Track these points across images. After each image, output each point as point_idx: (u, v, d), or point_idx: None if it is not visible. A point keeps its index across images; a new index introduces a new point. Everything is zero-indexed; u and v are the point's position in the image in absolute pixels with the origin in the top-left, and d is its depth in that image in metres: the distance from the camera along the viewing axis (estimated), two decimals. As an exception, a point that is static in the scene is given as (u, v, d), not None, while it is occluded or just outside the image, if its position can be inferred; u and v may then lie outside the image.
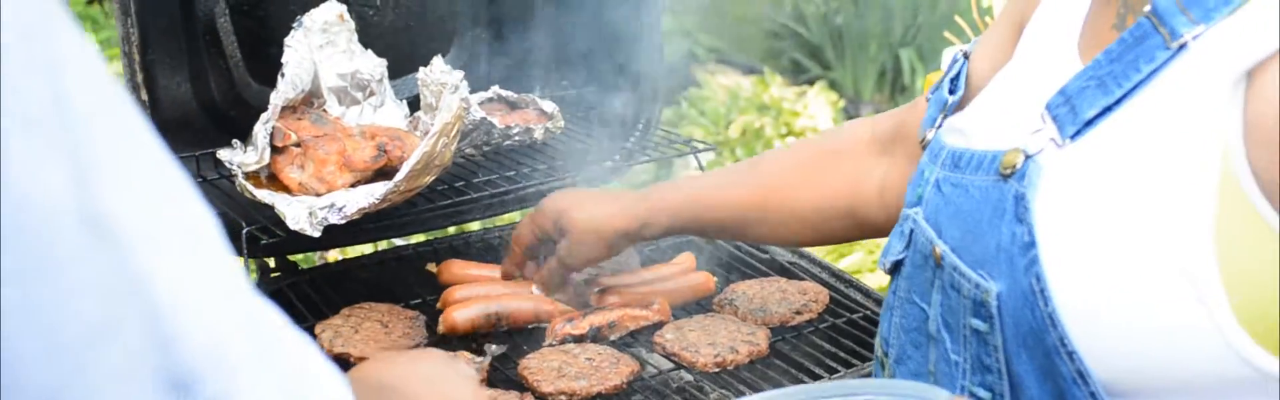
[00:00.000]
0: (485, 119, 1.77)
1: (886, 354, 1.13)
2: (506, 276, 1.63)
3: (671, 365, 1.52)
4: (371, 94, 1.69)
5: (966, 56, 1.18)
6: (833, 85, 5.37)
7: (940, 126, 1.12)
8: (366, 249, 2.18)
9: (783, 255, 1.83)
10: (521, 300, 1.60)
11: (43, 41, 0.44)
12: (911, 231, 1.06)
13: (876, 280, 3.05)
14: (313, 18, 1.59)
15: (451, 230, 2.51)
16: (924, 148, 1.12)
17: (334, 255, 2.61)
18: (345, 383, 0.58)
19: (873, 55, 5.48)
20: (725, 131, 4.56)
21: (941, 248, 0.99)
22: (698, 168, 1.95)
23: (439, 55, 1.59)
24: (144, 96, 1.57)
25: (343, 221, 1.45)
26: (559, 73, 2.02)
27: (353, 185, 1.54)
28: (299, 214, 1.44)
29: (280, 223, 1.46)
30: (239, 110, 1.69)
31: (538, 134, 1.85)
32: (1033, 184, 0.89)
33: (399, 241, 2.32)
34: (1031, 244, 0.88)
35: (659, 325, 1.59)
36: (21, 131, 0.42)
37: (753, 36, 6.08)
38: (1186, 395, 0.87)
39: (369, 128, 1.61)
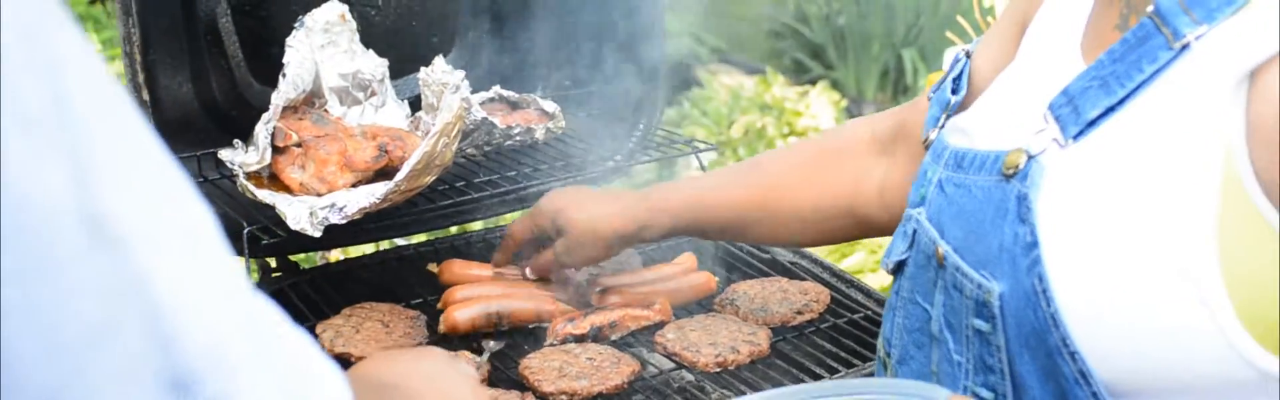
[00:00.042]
0: (486, 119, 1.76)
1: (889, 354, 1.13)
2: (497, 265, 1.64)
3: (672, 365, 1.52)
4: (373, 94, 1.69)
5: (969, 56, 1.18)
6: (835, 85, 5.36)
7: (943, 126, 1.12)
8: (368, 249, 2.17)
9: (784, 255, 1.83)
10: (522, 300, 1.60)
11: (43, 41, 0.44)
12: (914, 232, 1.06)
13: (878, 280, 3.05)
14: (314, 18, 1.59)
15: (453, 230, 2.51)
16: (927, 148, 1.12)
17: (335, 255, 2.60)
18: (346, 382, 0.58)
19: (875, 55, 5.49)
20: (727, 131, 4.56)
21: (944, 248, 0.99)
22: (700, 168, 1.95)
23: (440, 55, 1.59)
24: (145, 96, 1.57)
25: (344, 221, 1.45)
26: (560, 73, 2.02)
27: (354, 185, 1.54)
28: (300, 214, 1.44)
29: (281, 223, 1.46)
30: (240, 110, 1.69)
31: (539, 134, 1.85)
32: (1035, 184, 0.89)
33: (400, 241, 2.32)
34: (1034, 244, 0.88)
35: (660, 325, 1.59)
36: (21, 131, 0.42)
37: (755, 36, 6.08)
38: (1188, 396, 0.87)
39: (370, 128, 1.61)
